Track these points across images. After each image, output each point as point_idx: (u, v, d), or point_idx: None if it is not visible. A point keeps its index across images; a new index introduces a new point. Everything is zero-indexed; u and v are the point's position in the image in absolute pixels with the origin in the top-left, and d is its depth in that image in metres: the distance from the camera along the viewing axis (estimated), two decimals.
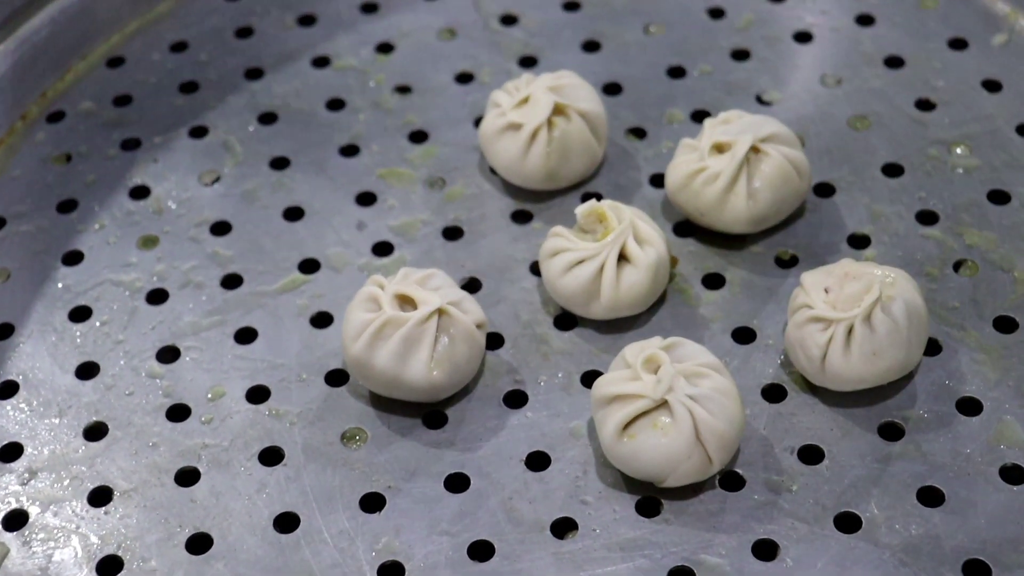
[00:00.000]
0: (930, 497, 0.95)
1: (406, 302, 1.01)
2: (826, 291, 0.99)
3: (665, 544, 0.94)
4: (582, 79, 1.15)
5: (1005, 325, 1.03)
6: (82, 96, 1.25)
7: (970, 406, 1.00)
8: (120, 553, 0.97)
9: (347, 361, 1.02)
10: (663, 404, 0.94)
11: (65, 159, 1.21)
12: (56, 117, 1.24)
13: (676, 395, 0.94)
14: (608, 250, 1.04)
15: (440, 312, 1.00)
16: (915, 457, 0.97)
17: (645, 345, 0.98)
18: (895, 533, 0.93)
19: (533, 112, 1.12)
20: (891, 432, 0.99)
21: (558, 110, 1.12)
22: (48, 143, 1.22)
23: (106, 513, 0.99)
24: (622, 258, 1.04)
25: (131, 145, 1.21)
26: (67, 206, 1.17)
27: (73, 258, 1.14)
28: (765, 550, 0.94)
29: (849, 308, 0.97)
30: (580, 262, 1.04)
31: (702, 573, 0.93)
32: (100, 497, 1.00)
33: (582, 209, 1.05)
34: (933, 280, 1.06)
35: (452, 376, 1.00)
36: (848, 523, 0.95)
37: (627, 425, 0.95)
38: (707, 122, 1.10)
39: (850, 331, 0.97)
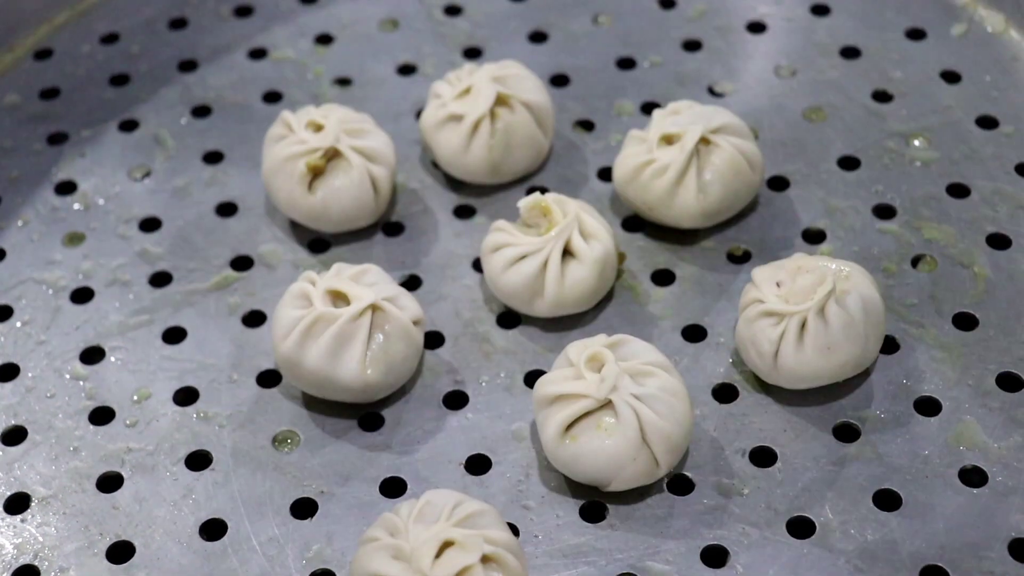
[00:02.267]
0: (887, 501, 0.91)
1: (339, 298, 0.96)
2: (778, 285, 0.95)
3: (610, 550, 0.90)
4: (527, 69, 1.11)
5: (965, 322, 1.00)
6: (7, 89, 1.21)
7: (929, 406, 0.96)
8: (37, 563, 0.92)
9: (278, 361, 0.97)
10: (607, 404, 0.90)
11: None
12: None
13: (620, 394, 0.90)
14: (552, 245, 0.99)
15: (374, 308, 0.95)
16: (871, 459, 0.93)
17: (589, 343, 0.93)
18: (850, 538, 0.89)
19: (475, 103, 1.08)
20: (846, 433, 0.95)
21: (501, 101, 1.08)
22: None
23: (23, 521, 0.94)
24: (567, 253, 1.00)
25: (58, 139, 1.17)
26: None
27: None
28: (715, 556, 0.90)
29: (802, 301, 0.93)
30: (523, 257, 1.00)
31: None
32: (17, 504, 0.95)
33: (525, 202, 1.01)
34: (890, 276, 1.02)
35: (387, 375, 0.96)
36: (801, 528, 0.91)
37: (570, 426, 0.91)
38: (656, 113, 1.06)
39: (803, 325, 0.93)
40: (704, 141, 1.03)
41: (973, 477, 0.92)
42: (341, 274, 0.98)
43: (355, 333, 0.95)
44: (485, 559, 0.83)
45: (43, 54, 1.23)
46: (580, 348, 0.93)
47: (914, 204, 1.06)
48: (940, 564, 0.88)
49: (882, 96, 1.14)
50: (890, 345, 0.98)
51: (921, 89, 1.13)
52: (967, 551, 0.88)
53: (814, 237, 1.05)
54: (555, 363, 0.95)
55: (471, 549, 0.83)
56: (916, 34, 1.18)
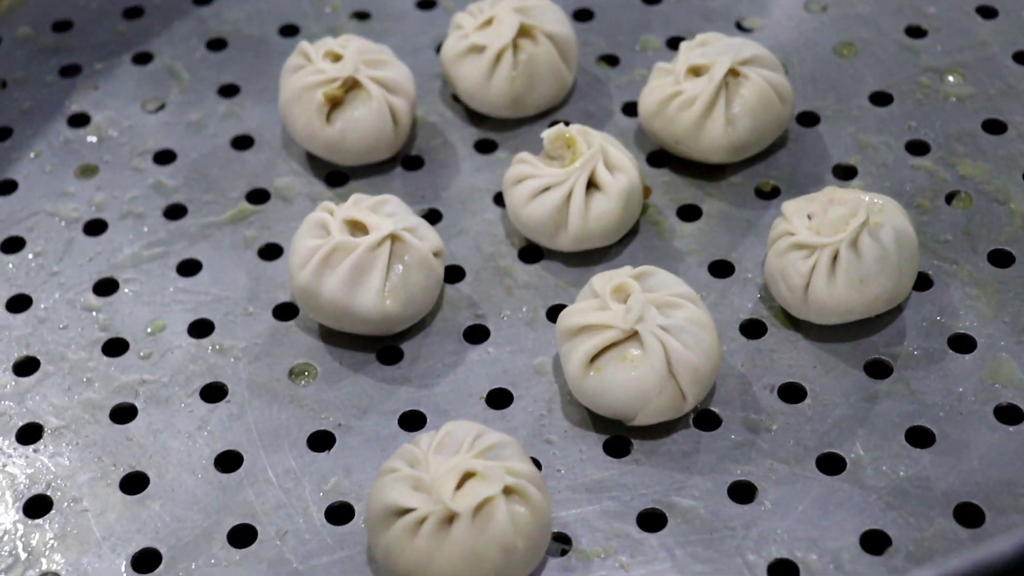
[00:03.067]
0: (919, 438, 0.89)
1: (358, 228, 0.94)
2: (809, 218, 0.93)
3: (634, 486, 0.88)
4: (551, 1, 1.08)
5: (1000, 259, 0.97)
6: (20, 21, 1.18)
7: (963, 343, 0.93)
8: (49, 493, 0.90)
9: (294, 291, 0.95)
10: (633, 335, 0.88)
11: (0, 85, 1.14)
12: None
13: (647, 325, 0.87)
14: (576, 176, 0.97)
15: (393, 238, 0.93)
16: (904, 396, 0.91)
17: (614, 274, 0.91)
18: (882, 475, 0.87)
19: (497, 33, 1.05)
20: (878, 370, 0.92)
21: (524, 32, 1.05)
22: None
23: (35, 451, 0.92)
24: (591, 185, 0.97)
25: (70, 72, 1.15)
26: (1, 133, 1.11)
27: (6, 187, 1.07)
28: (742, 492, 0.87)
29: (834, 234, 0.91)
30: (546, 189, 0.98)
31: (674, 516, 0.86)
32: (29, 434, 0.93)
33: (549, 133, 0.99)
34: (924, 212, 1.00)
35: (406, 307, 0.93)
36: (831, 464, 0.88)
37: (594, 358, 0.88)
38: (683, 45, 1.04)
39: (835, 258, 0.90)
40: (733, 73, 1.01)
41: (1009, 414, 0.90)
42: (360, 204, 0.95)
43: (374, 263, 0.92)
44: (507, 491, 0.81)
45: None
46: (605, 279, 0.91)
47: (948, 140, 1.04)
48: (974, 502, 0.86)
49: (915, 31, 1.11)
50: (923, 282, 0.96)
51: (956, 24, 1.11)
52: (1002, 489, 0.86)
53: (845, 173, 1.03)
54: (579, 295, 0.92)
55: (493, 480, 0.81)
56: None
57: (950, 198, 1.00)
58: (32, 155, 1.09)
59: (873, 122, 1.05)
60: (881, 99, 1.07)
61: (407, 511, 0.81)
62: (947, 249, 0.98)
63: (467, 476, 0.81)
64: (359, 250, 0.92)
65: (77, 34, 1.17)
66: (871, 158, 1.03)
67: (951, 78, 1.07)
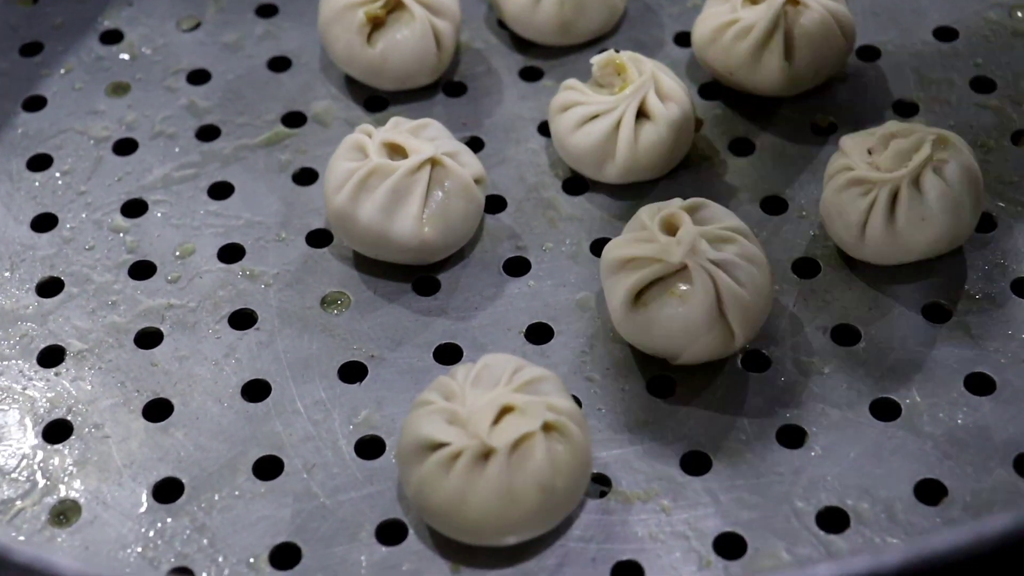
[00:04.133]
0: (979, 385, 0.85)
1: (397, 152, 0.90)
2: (869, 152, 0.88)
3: (678, 427, 0.85)
4: None
5: None
6: None
7: None
8: (70, 418, 0.87)
9: (329, 216, 0.91)
10: (682, 269, 0.84)
11: (31, 0, 1.10)
12: None
13: (697, 259, 0.83)
14: (626, 104, 0.93)
15: (433, 162, 0.89)
16: (963, 341, 0.87)
17: (664, 205, 0.87)
18: (938, 422, 0.84)
19: None
20: (937, 313, 0.89)
21: None
22: None
23: (56, 374, 0.89)
24: (641, 114, 0.94)
25: None
26: (31, 49, 1.08)
27: (35, 103, 1.04)
28: (791, 436, 0.84)
29: (895, 169, 0.87)
30: (594, 117, 0.94)
31: (720, 459, 0.83)
32: (51, 357, 0.90)
33: (599, 58, 0.95)
34: (988, 151, 0.96)
35: (446, 235, 0.90)
36: (886, 410, 0.85)
37: (640, 293, 0.85)
38: None
39: (895, 195, 0.86)
40: (792, 2, 0.97)
41: None
42: (399, 127, 0.92)
43: (412, 188, 0.89)
44: (547, 427, 0.78)
45: None
46: (654, 210, 0.87)
47: (1016, 79, 1.00)
48: None
49: None
50: (986, 223, 0.92)
51: None
52: None
53: (906, 110, 0.99)
54: (626, 227, 0.88)
55: (533, 415, 0.77)
56: None
57: (1016, 138, 0.97)
58: (63, 71, 1.06)
59: (937, 58, 1.02)
60: (945, 34, 1.03)
61: (441, 445, 0.77)
62: (1012, 190, 0.94)
63: (505, 411, 0.78)
64: (397, 174, 0.88)
65: None
66: (934, 95, 0.99)
67: (1021, 13, 1.04)
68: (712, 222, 0.86)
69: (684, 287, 0.84)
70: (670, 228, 0.85)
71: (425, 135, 0.92)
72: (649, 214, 0.87)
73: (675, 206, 0.86)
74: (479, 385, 0.80)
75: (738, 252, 0.84)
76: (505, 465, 0.76)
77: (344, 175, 0.90)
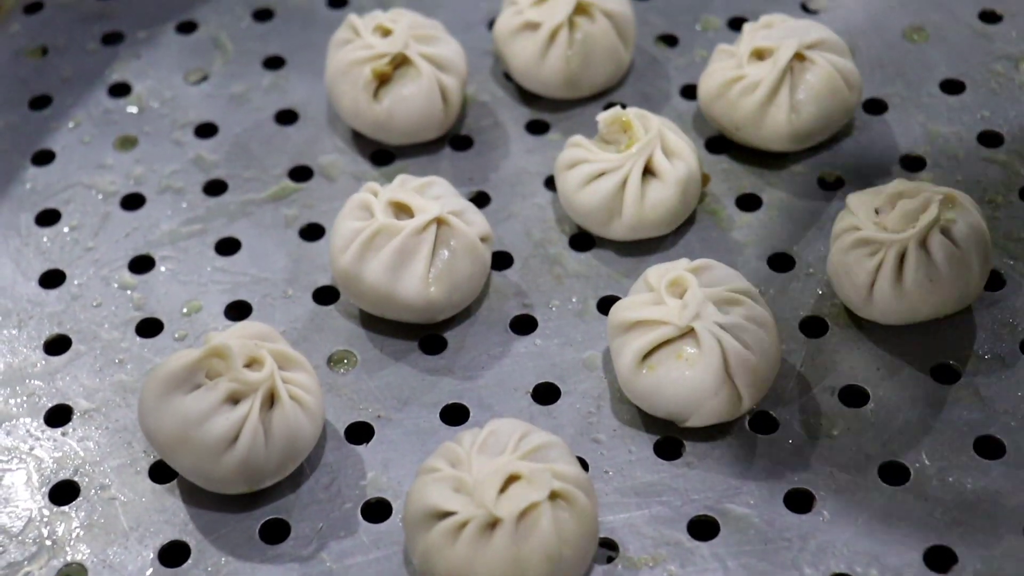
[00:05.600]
0: (989, 448, 0.85)
1: (403, 211, 0.91)
2: (876, 212, 0.89)
3: (686, 490, 0.84)
4: None
5: None
6: None
7: None
8: (77, 478, 0.87)
9: (335, 275, 0.92)
10: (689, 332, 0.84)
11: (41, 52, 1.12)
12: (33, 8, 1.15)
13: (704, 322, 0.83)
14: (632, 162, 0.93)
15: (439, 222, 0.89)
16: (972, 403, 0.87)
17: (670, 266, 0.87)
18: (948, 487, 0.83)
19: (553, 10, 1.02)
20: (946, 374, 0.89)
21: (581, 9, 1.02)
22: (23, 35, 1.13)
23: (63, 434, 0.90)
24: (648, 172, 0.94)
25: (113, 39, 1.12)
26: (40, 102, 1.08)
27: (43, 158, 1.05)
28: (799, 501, 0.84)
29: (902, 230, 0.87)
30: (601, 175, 0.94)
31: (728, 524, 0.83)
32: (58, 416, 0.91)
33: (605, 115, 0.95)
34: (996, 208, 0.96)
35: (451, 294, 0.90)
36: (894, 474, 0.85)
37: (647, 355, 0.85)
38: (747, 26, 1.00)
39: (903, 255, 0.86)
40: (799, 57, 0.97)
41: None
42: (405, 185, 0.92)
43: (418, 247, 0.89)
44: (553, 495, 0.78)
45: None
46: (661, 272, 0.87)
47: (1023, 132, 0.99)
48: None
49: (990, 16, 1.07)
50: (995, 281, 0.92)
51: None
52: None
53: (913, 164, 0.99)
54: (633, 287, 0.89)
55: (539, 484, 0.77)
56: None
57: None
58: (71, 125, 1.06)
59: (944, 111, 1.02)
60: (952, 87, 1.03)
61: (447, 514, 0.77)
62: (1020, 248, 0.94)
63: (511, 479, 0.78)
64: (403, 233, 0.89)
65: (120, 1, 1.15)
66: (941, 149, 0.99)
67: None
68: (719, 284, 0.86)
69: (691, 350, 0.84)
70: (677, 290, 0.85)
71: (431, 193, 0.92)
72: (656, 276, 0.87)
73: (681, 268, 0.87)
74: (485, 451, 0.80)
75: (745, 314, 0.84)
76: (512, 535, 0.76)
77: (350, 235, 0.90)
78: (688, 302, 0.84)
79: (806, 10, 1.09)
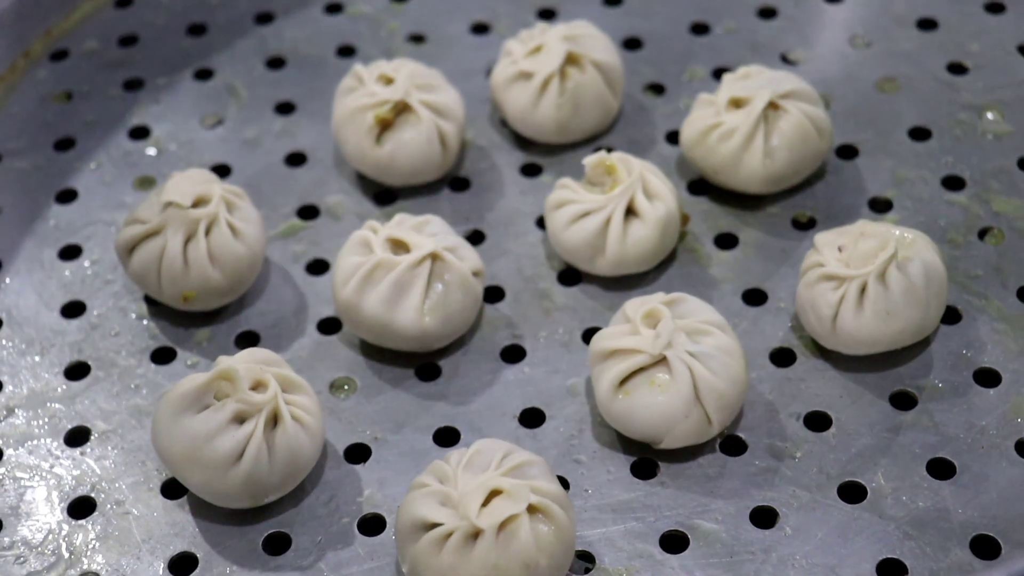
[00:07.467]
0: (940, 469, 0.90)
1: (400, 247, 0.97)
2: (840, 249, 0.94)
3: (659, 507, 0.90)
4: (599, 30, 1.11)
5: None
6: (88, 36, 1.22)
7: (988, 377, 0.94)
8: (94, 494, 0.93)
9: (337, 307, 0.98)
10: (662, 360, 0.90)
11: (65, 97, 1.18)
12: (60, 56, 1.21)
13: (675, 351, 0.89)
14: (615, 203, 0.99)
15: (434, 257, 0.96)
16: (927, 428, 0.92)
17: (647, 300, 0.93)
18: (901, 505, 0.89)
19: (545, 60, 1.07)
20: (903, 401, 0.94)
21: (572, 60, 1.08)
22: (49, 81, 1.19)
23: (82, 453, 0.95)
24: (630, 212, 1.00)
25: (134, 86, 1.18)
26: (64, 144, 1.14)
27: (66, 196, 1.11)
28: (764, 517, 0.89)
29: (863, 266, 0.92)
30: (586, 214, 1.00)
31: (697, 538, 0.88)
32: (77, 437, 0.96)
33: (590, 160, 1.01)
34: (956, 247, 1.01)
35: (445, 324, 0.96)
36: (852, 493, 0.90)
37: (623, 381, 0.91)
38: (726, 77, 1.06)
39: (863, 290, 0.92)
40: (773, 106, 1.02)
41: None
42: (403, 224, 0.98)
43: (414, 281, 0.95)
44: (532, 509, 0.84)
45: (124, 2, 1.24)
46: (637, 304, 0.93)
47: (984, 176, 1.05)
48: (991, 534, 0.87)
49: (957, 68, 1.12)
50: (952, 315, 0.97)
51: (997, 62, 1.12)
52: (1020, 522, 0.87)
53: (881, 206, 1.04)
54: (613, 319, 0.95)
55: (518, 498, 0.83)
56: (995, 7, 1.16)
57: (983, 234, 1.02)
58: (93, 166, 1.12)
59: (911, 156, 1.07)
60: (920, 134, 1.08)
61: (434, 525, 0.83)
62: (977, 284, 0.99)
63: (494, 493, 0.84)
64: (400, 268, 0.95)
65: (142, 49, 1.21)
66: (907, 192, 1.05)
67: (990, 115, 1.08)
68: (690, 316, 0.92)
69: (664, 377, 0.90)
70: (652, 321, 0.91)
71: (427, 231, 0.98)
72: (633, 308, 0.93)
73: (656, 301, 0.93)
74: (471, 469, 0.86)
75: (715, 344, 0.90)
76: (492, 544, 0.82)
77: (351, 269, 0.96)
78: (661, 332, 0.90)
79: (786, 61, 1.14)
